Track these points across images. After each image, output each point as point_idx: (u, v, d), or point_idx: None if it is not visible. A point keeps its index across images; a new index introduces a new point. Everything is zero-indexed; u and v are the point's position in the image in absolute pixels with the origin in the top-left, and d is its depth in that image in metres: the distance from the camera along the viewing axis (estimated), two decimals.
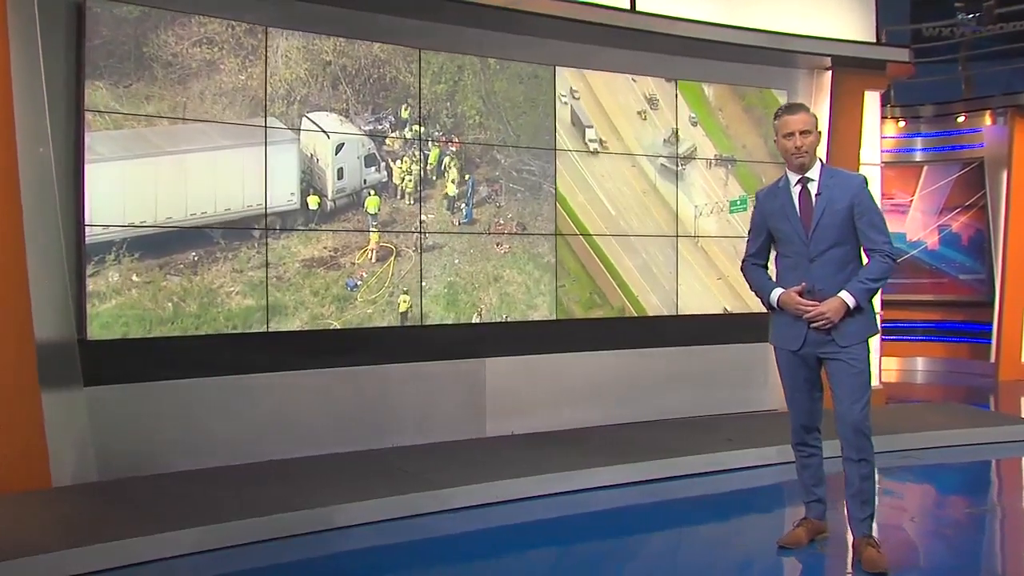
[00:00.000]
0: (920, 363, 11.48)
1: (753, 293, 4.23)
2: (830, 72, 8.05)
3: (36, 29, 4.94)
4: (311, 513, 4.53)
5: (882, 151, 10.42)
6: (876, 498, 4.14)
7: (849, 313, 3.95)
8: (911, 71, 8.73)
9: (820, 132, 4.06)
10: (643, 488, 5.44)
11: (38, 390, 4.96)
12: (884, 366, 10.29)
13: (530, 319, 6.33)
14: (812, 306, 3.94)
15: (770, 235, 4.17)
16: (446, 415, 6.19)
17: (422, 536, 4.62)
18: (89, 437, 5.17)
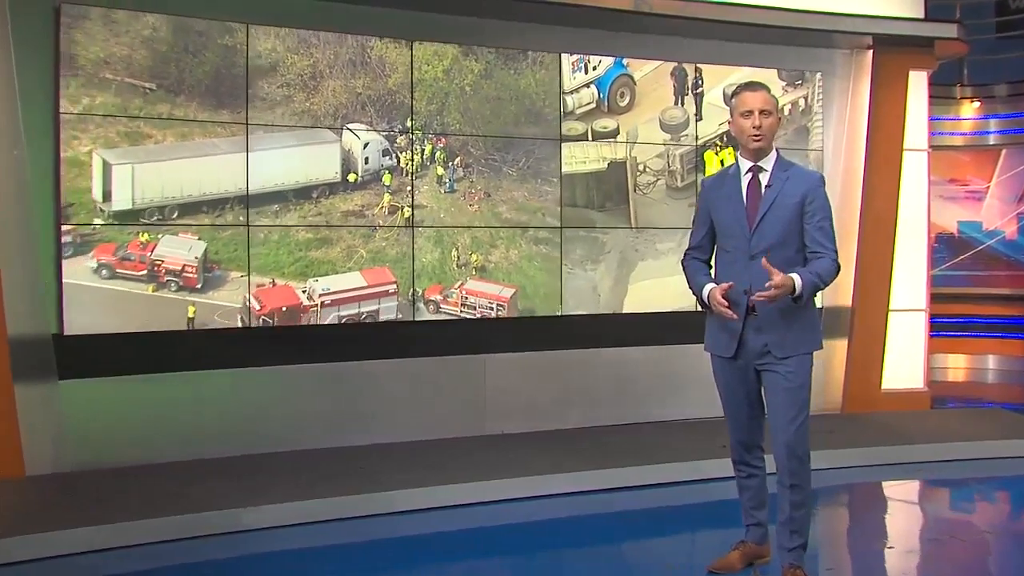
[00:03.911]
0: (992, 361, 10.99)
1: (690, 291, 3.92)
2: (871, 52, 7.52)
3: (8, 30, 5.12)
4: (234, 512, 4.52)
5: (955, 134, 10.38)
6: (809, 528, 3.80)
7: (789, 319, 3.59)
8: (963, 49, 8.15)
9: (781, 117, 3.83)
10: (606, 497, 5.23)
11: (11, 384, 5.08)
12: (950, 364, 10.24)
13: (535, 315, 7.58)
14: (728, 308, 3.61)
15: (713, 227, 3.88)
16: (443, 412, 6.24)
17: (349, 540, 4.44)
18: (65, 429, 5.30)
